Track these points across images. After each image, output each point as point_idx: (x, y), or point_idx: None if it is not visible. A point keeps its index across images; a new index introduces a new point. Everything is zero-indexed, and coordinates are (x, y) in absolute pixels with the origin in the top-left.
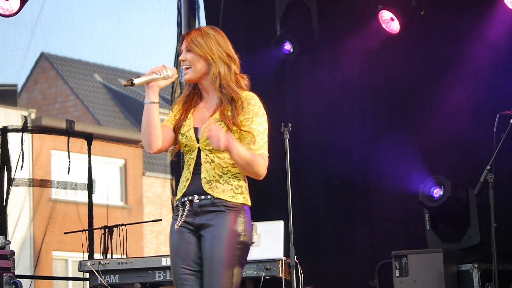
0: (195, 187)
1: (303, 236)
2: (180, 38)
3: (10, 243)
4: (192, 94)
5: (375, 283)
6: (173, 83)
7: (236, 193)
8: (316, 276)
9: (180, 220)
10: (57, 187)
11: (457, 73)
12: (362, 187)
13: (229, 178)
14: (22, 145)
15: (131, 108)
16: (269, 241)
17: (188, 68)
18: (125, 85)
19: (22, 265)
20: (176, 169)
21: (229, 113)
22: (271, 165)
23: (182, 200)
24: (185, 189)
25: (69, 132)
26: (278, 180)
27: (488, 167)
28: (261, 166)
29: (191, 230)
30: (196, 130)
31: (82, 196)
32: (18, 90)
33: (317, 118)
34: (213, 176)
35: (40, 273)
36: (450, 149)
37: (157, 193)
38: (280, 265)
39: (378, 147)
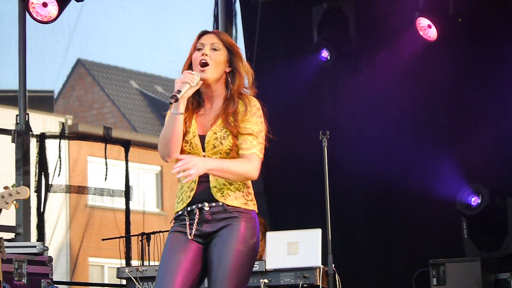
0: (204, 195)
1: (341, 244)
2: (202, 32)
3: (48, 249)
4: (190, 99)
5: None
6: None
7: (247, 200)
8: (353, 284)
9: (192, 228)
10: (94, 194)
11: (496, 81)
12: (400, 195)
13: (239, 185)
14: (59, 151)
15: None
16: (307, 249)
17: (207, 66)
18: (171, 103)
19: (59, 271)
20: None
21: (231, 119)
22: (309, 173)
23: (189, 208)
24: (190, 199)
25: (106, 138)
26: (315, 188)
27: None
28: (248, 170)
29: (199, 238)
30: (201, 138)
31: (119, 203)
32: (55, 97)
33: (354, 126)
34: (224, 184)
35: (76, 279)
36: (488, 157)
37: None
38: (318, 273)
39: (416, 155)
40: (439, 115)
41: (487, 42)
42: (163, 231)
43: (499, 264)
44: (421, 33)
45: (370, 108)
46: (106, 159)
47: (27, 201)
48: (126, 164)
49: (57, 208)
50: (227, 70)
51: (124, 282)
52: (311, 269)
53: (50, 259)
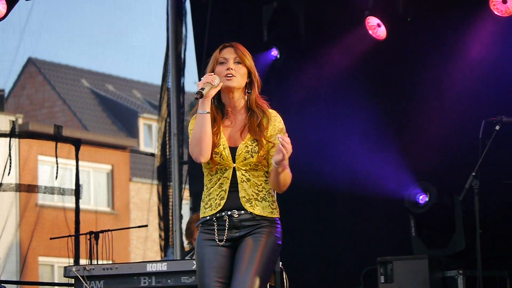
0: (233, 203)
1: (288, 242)
2: (222, 46)
3: None
4: (214, 110)
5: None
6: (161, 89)
7: (273, 208)
8: (301, 283)
9: (223, 235)
10: (45, 192)
11: (443, 80)
12: (347, 193)
13: (265, 195)
14: (10, 150)
15: (118, 113)
16: None
17: (233, 76)
18: (196, 98)
19: (8, 271)
20: (162, 174)
21: (257, 129)
22: None
23: (218, 215)
24: (220, 207)
25: (57, 137)
26: None
27: (473, 174)
28: (289, 181)
29: (228, 242)
30: (232, 149)
31: (69, 202)
32: (5, 95)
33: (302, 124)
34: (252, 195)
35: (26, 279)
36: (435, 155)
37: (144, 198)
38: None
39: (363, 153)
40: (387, 113)
41: (435, 42)
42: (111, 230)
43: (447, 262)
44: (370, 32)
45: (318, 106)
46: (57, 158)
47: None
48: (77, 162)
49: (7, 207)
50: (247, 81)
51: (72, 281)
52: None
53: None
